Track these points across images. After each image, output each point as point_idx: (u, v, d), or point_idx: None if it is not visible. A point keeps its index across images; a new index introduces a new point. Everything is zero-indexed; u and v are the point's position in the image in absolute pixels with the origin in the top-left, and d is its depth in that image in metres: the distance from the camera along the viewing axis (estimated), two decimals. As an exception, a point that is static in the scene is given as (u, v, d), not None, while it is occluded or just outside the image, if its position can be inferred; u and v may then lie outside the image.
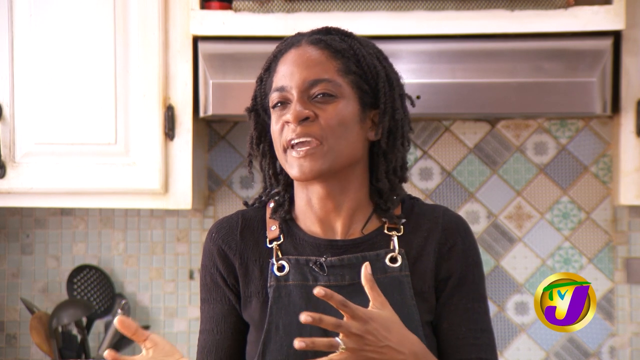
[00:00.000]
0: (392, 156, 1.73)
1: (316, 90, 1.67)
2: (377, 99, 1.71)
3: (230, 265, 1.74)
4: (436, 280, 1.71)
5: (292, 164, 1.66)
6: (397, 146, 1.73)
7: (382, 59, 1.73)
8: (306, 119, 1.65)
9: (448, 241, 1.72)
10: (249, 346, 1.74)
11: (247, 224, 1.77)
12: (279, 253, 1.72)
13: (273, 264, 1.71)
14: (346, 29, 1.75)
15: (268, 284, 1.70)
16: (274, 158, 1.75)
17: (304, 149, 1.65)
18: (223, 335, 1.75)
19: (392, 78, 1.73)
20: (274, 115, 1.70)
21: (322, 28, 1.74)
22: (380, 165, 1.73)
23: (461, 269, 1.72)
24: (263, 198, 1.80)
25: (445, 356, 1.70)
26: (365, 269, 1.54)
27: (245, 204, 1.82)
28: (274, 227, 1.75)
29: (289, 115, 1.65)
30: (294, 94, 1.67)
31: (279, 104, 1.69)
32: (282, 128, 1.67)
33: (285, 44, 1.73)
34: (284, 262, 1.71)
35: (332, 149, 1.66)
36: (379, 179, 1.73)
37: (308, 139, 1.65)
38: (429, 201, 2.88)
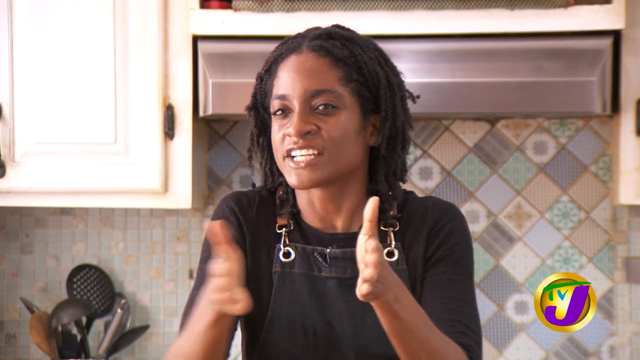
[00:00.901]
0: (391, 160, 1.73)
1: (318, 101, 1.66)
2: (378, 105, 1.70)
3: (242, 238, 1.73)
4: (425, 263, 1.72)
5: (291, 173, 1.67)
6: (397, 151, 1.73)
7: (384, 62, 1.72)
8: (308, 132, 1.65)
9: (436, 226, 1.73)
10: (251, 332, 1.73)
11: (263, 203, 1.77)
12: (287, 239, 1.73)
13: (280, 249, 1.72)
14: (349, 29, 1.74)
15: (273, 269, 1.71)
16: (272, 154, 1.75)
17: (303, 159, 1.65)
18: None
19: (393, 82, 1.72)
20: (275, 122, 1.69)
21: (324, 31, 1.72)
22: (380, 169, 1.73)
23: (446, 246, 1.71)
24: (269, 187, 1.79)
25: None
26: (374, 202, 1.47)
27: (253, 185, 1.82)
28: (283, 215, 1.76)
29: (291, 129, 1.65)
30: (295, 105, 1.66)
31: (280, 112, 1.68)
32: (283, 138, 1.67)
33: (286, 47, 1.72)
34: (290, 249, 1.72)
35: (333, 160, 1.66)
36: (378, 182, 1.73)
37: (309, 152, 1.65)
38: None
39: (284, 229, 1.74)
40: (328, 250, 1.71)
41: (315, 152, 1.65)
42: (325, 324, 1.67)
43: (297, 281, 1.70)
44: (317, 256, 1.71)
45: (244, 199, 1.77)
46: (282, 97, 1.67)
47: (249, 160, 1.79)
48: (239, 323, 1.77)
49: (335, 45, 1.69)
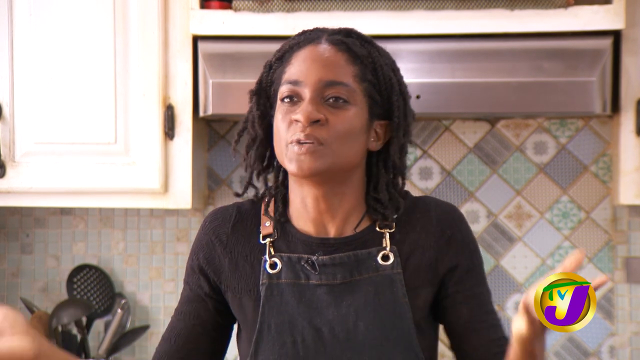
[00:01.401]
0: (396, 170, 1.73)
1: (330, 92, 1.65)
2: (385, 111, 1.70)
3: (216, 259, 1.74)
4: (438, 273, 1.71)
5: (292, 159, 1.64)
6: (403, 160, 1.73)
7: (396, 71, 1.73)
8: (316, 121, 1.63)
9: (445, 233, 1.72)
10: (243, 344, 1.74)
11: (241, 217, 1.76)
12: (272, 250, 1.72)
13: (265, 261, 1.71)
14: (365, 34, 1.74)
15: (260, 282, 1.70)
16: (267, 141, 1.74)
17: (306, 146, 1.63)
18: (182, 315, 1.77)
19: (404, 92, 1.72)
20: (281, 108, 1.67)
21: (343, 29, 1.72)
22: (381, 177, 1.72)
23: (466, 258, 1.73)
24: (259, 195, 1.78)
25: (468, 342, 1.72)
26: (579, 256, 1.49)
27: (237, 195, 1.81)
28: (268, 223, 1.74)
29: (299, 115, 1.63)
30: (306, 92, 1.65)
31: (288, 99, 1.66)
32: (289, 125, 1.65)
33: (303, 37, 1.71)
34: (276, 260, 1.70)
35: (334, 153, 1.64)
36: (379, 190, 1.72)
37: (312, 141, 1.63)
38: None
39: (268, 240, 1.73)
40: (315, 257, 1.69)
41: (318, 142, 1.63)
42: (315, 332, 1.66)
43: (285, 291, 1.69)
44: (305, 265, 1.69)
45: (219, 217, 1.77)
46: (295, 83, 1.66)
47: (236, 143, 1.78)
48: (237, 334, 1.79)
49: (355, 43, 1.68)
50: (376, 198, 1.72)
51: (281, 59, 1.71)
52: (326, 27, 1.74)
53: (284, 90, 1.67)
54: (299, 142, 1.63)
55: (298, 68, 1.67)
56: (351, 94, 1.66)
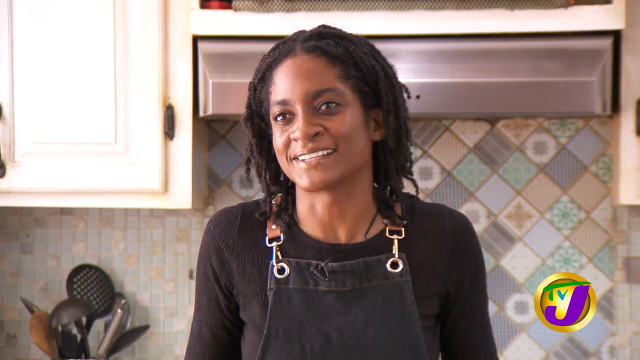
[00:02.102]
0: (399, 154, 1.71)
1: (320, 100, 1.63)
2: (377, 99, 1.69)
3: (225, 264, 1.73)
4: (445, 284, 1.72)
5: (301, 175, 1.64)
6: (403, 143, 1.71)
7: (377, 56, 1.71)
8: (316, 134, 1.62)
9: (458, 245, 1.73)
10: (248, 347, 1.73)
11: (247, 220, 1.75)
12: (279, 254, 1.71)
13: (273, 266, 1.69)
14: (337, 28, 1.72)
15: (268, 287, 1.69)
16: (270, 163, 1.73)
17: (314, 159, 1.62)
18: (208, 327, 1.77)
19: (390, 74, 1.71)
20: (277, 127, 1.66)
21: (315, 31, 1.70)
22: (390, 164, 1.71)
23: (472, 271, 1.74)
24: (266, 201, 1.76)
25: (462, 355, 1.77)
26: None
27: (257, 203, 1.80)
28: (274, 226, 1.73)
29: (297, 133, 1.62)
30: (298, 109, 1.63)
31: (281, 117, 1.65)
32: (288, 143, 1.65)
33: (278, 52, 1.69)
34: (284, 265, 1.69)
35: (345, 156, 1.64)
36: (390, 177, 1.71)
37: (319, 153, 1.62)
38: (428, 201, 2.89)
39: (274, 243, 1.71)
40: (324, 263, 1.68)
41: (327, 151, 1.63)
42: (323, 339, 1.65)
43: (293, 297, 1.67)
44: (314, 271, 1.68)
45: (224, 220, 1.75)
46: (283, 102, 1.64)
47: (247, 172, 1.76)
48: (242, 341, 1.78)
49: (329, 44, 1.67)
50: (386, 187, 1.71)
51: (263, 78, 1.70)
52: (298, 31, 1.72)
53: (275, 110, 1.66)
54: (303, 159, 1.63)
55: (282, 87, 1.65)
56: (340, 95, 1.64)
